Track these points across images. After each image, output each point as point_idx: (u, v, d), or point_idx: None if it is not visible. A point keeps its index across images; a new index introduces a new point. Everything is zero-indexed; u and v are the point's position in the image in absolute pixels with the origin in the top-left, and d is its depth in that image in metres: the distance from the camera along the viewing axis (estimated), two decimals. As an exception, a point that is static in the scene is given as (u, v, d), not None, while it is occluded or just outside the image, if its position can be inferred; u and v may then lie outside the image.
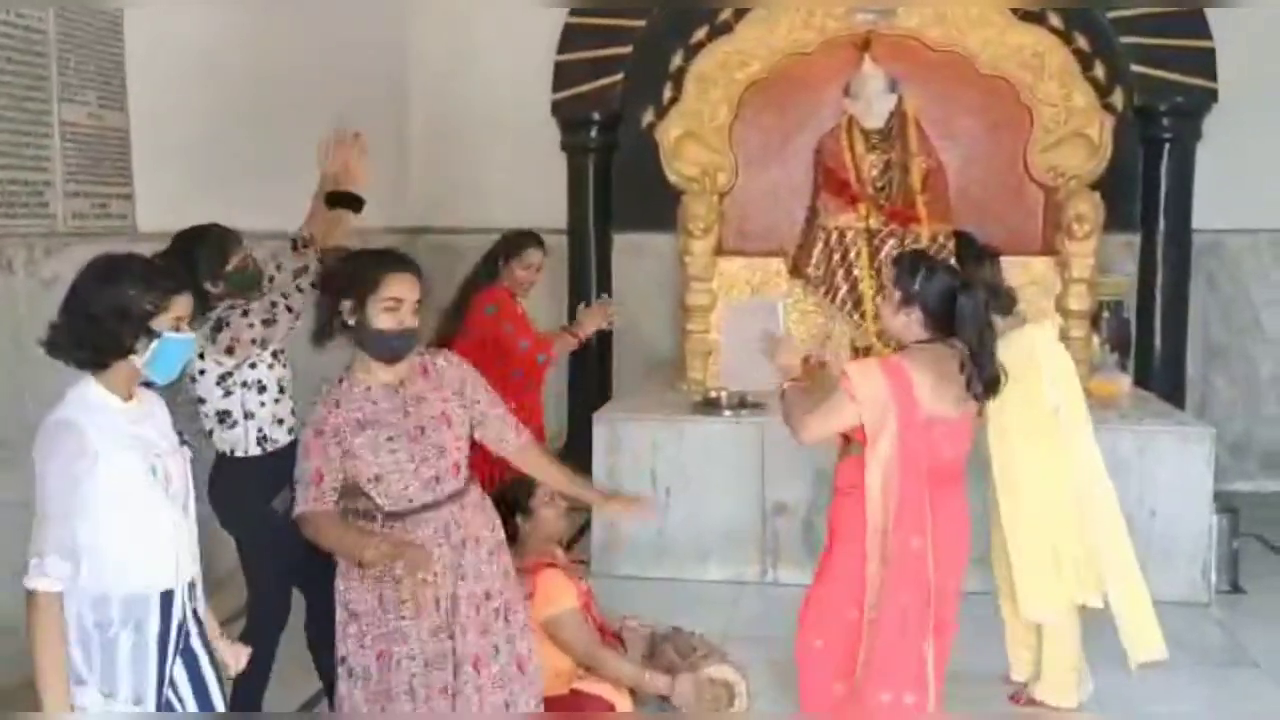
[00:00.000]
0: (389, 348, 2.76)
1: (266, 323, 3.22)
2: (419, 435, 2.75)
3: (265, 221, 4.31)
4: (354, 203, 3.46)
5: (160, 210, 4.69)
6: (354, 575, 2.77)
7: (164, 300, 2.37)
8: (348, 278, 2.78)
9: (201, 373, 3.28)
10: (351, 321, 2.73)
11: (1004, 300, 3.75)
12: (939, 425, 3.05)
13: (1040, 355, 3.67)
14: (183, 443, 2.53)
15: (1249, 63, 6.47)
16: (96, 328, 2.31)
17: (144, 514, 2.38)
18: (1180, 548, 4.92)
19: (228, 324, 3.22)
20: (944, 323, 3.10)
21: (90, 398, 2.34)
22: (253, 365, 3.29)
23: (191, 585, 2.50)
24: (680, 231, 6.02)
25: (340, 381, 2.79)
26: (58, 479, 2.26)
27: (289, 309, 3.24)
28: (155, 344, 2.36)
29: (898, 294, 3.14)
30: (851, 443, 3.18)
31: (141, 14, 4.60)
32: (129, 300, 2.33)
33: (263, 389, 3.31)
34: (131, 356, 2.35)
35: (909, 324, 3.14)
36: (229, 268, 3.35)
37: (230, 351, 3.23)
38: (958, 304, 3.07)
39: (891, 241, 5.75)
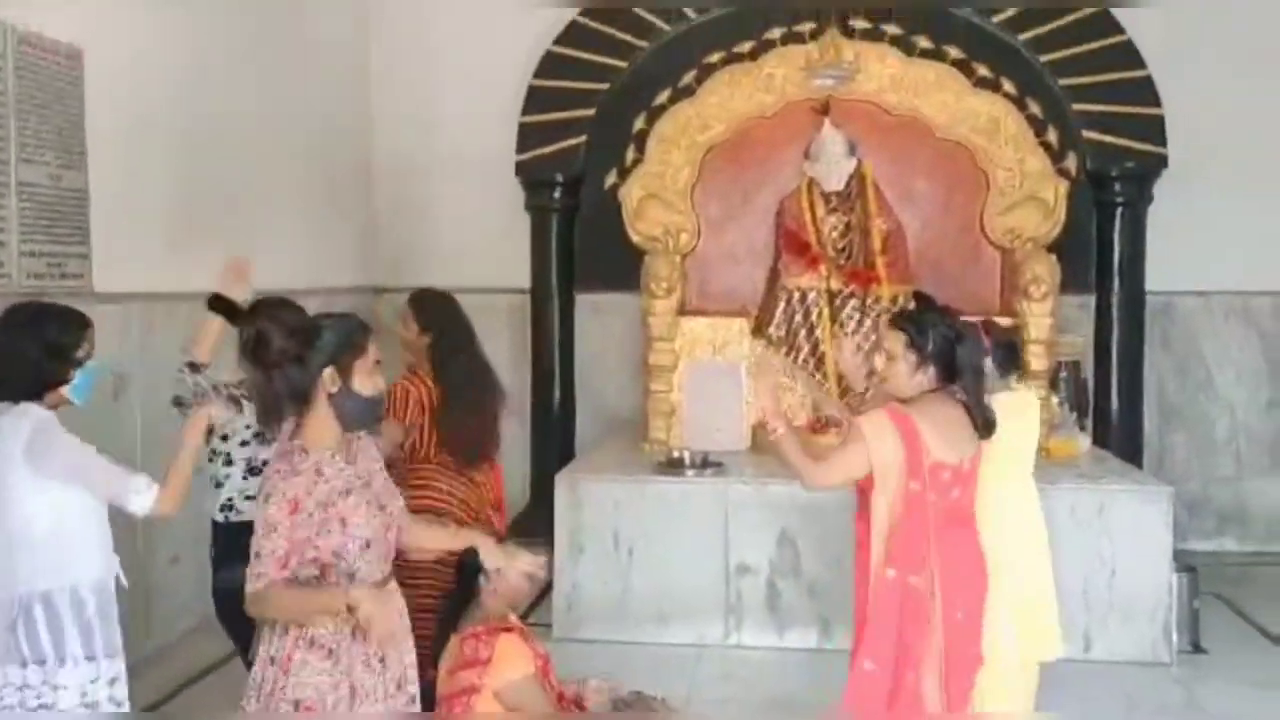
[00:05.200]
0: (373, 414, 2.67)
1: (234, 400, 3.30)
2: (380, 507, 2.68)
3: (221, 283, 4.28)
4: (230, 312, 3.50)
5: (117, 271, 4.66)
6: (308, 662, 2.58)
7: (78, 335, 2.93)
8: (334, 344, 2.59)
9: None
10: (334, 389, 2.58)
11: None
12: (945, 470, 3.21)
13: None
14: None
15: (1197, 129, 6.64)
16: (37, 364, 2.87)
17: None
18: (1141, 607, 4.94)
19: (205, 396, 3.31)
20: (947, 373, 3.29)
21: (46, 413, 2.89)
22: (224, 437, 3.38)
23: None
24: (643, 291, 6.04)
25: (296, 452, 2.58)
26: (83, 447, 2.89)
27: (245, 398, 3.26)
28: (76, 374, 2.92)
29: (913, 356, 3.27)
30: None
31: (102, 74, 4.60)
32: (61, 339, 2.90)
33: (229, 462, 3.41)
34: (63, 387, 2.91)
35: (922, 382, 3.28)
36: None
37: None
38: (956, 354, 3.27)
39: (853, 302, 5.81)
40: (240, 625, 3.12)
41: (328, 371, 2.57)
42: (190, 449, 3.01)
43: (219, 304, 3.54)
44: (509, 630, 3.54)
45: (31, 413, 2.88)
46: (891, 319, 3.52)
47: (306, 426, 2.60)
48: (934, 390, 3.29)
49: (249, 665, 3.33)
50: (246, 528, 3.17)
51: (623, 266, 6.43)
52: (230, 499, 3.40)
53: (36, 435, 2.85)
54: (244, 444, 3.40)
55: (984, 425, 3.32)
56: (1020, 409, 3.86)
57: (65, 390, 2.93)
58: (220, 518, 3.41)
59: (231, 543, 3.27)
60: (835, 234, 6.05)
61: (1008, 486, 3.81)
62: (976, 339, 3.40)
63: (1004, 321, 5.83)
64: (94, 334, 3.00)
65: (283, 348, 2.56)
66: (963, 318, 3.77)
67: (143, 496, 2.91)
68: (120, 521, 4.07)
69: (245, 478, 3.39)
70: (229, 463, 3.41)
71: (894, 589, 3.20)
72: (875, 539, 3.23)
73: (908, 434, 3.18)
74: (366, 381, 2.62)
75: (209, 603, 3.47)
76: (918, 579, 3.20)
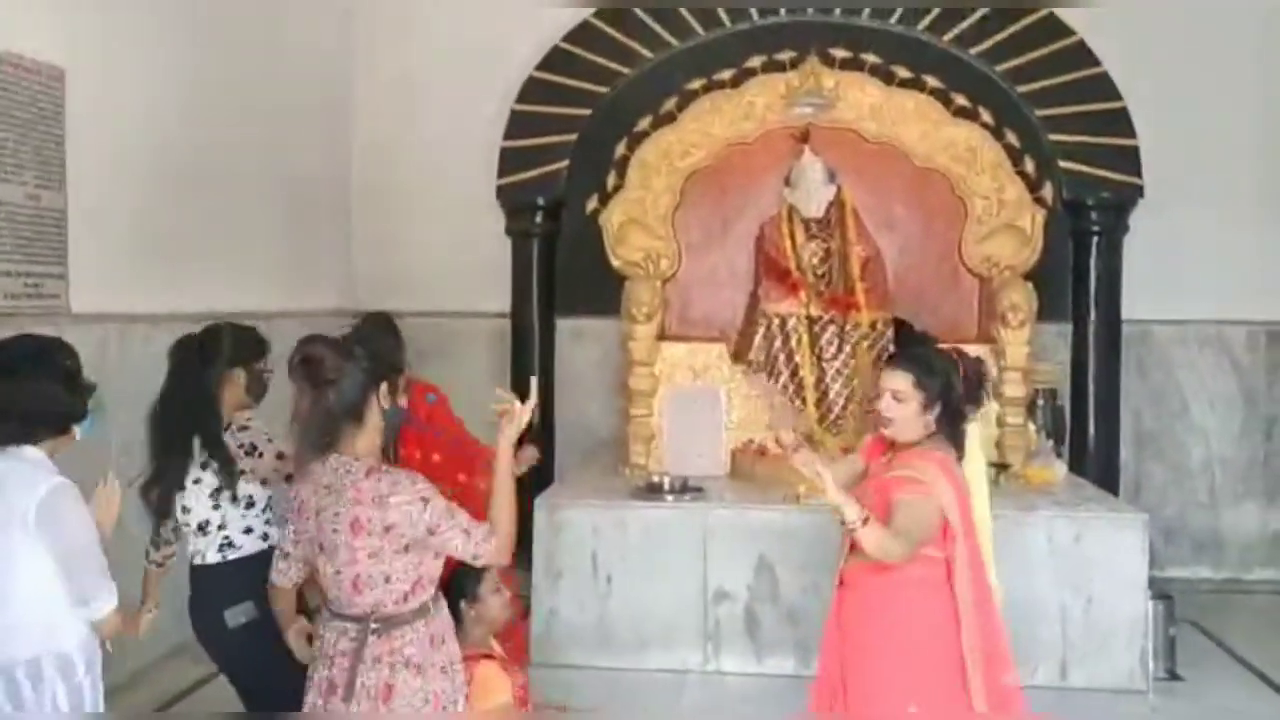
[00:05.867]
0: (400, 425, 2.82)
1: (269, 480, 3.32)
2: None
3: (201, 304, 4.28)
4: None
5: (94, 291, 4.64)
6: (408, 683, 2.65)
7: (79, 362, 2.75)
8: (383, 363, 2.74)
9: (196, 482, 3.26)
10: (387, 405, 2.71)
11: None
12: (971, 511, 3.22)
13: None
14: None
15: (1173, 160, 6.73)
16: (58, 398, 2.67)
17: None
18: (1117, 635, 4.95)
19: (258, 452, 3.27)
20: (949, 411, 3.23)
21: (49, 463, 2.68)
22: (248, 481, 3.30)
23: None
24: (623, 316, 6.05)
25: (378, 470, 2.65)
26: (90, 531, 2.65)
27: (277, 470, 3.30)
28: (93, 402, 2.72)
29: (921, 395, 3.17)
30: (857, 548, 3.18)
31: (84, 95, 4.59)
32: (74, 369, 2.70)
33: (250, 504, 3.31)
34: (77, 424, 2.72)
35: (929, 421, 3.19)
36: (262, 366, 3.40)
37: (244, 473, 3.27)
38: (954, 392, 3.22)
39: (832, 328, 5.84)
40: (255, 660, 3.08)
41: (384, 387, 2.69)
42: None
43: None
44: (489, 658, 3.53)
45: (37, 462, 2.68)
46: (890, 358, 3.46)
47: (359, 440, 2.66)
48: (936, 432, 3.20)
49: (248, 698, 3.32)
50: (246, 562, 3.25)
51: (603, 291, 6.44)
52: (230, 538, 3.29)
53: (53, 499, 2.63)
54: (264, 481, 3.35)
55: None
56: (980, 439, 3.88)
57: (78, 427, 2.73)
58: (216, 558, 3.28)
59: (232, 581, 3.25)
60: (815, 260, 6.07)
61: (983, 511, 3.86)
62: (972, 371, 3.36)
63: (972, 350, 5.88)
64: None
65: (336, 364, 2.62)
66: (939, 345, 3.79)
67: (100, 608, 2.70)
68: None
69: (258, 513, 3.34)
70: (250, 504, 3.31)
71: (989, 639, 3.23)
72: (964, 596, 3.14)
73: (955, 480, 3.14)
74: (400, 396, 2.78)
75: (185, 628, 3.39)
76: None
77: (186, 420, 3.21)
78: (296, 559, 2.83)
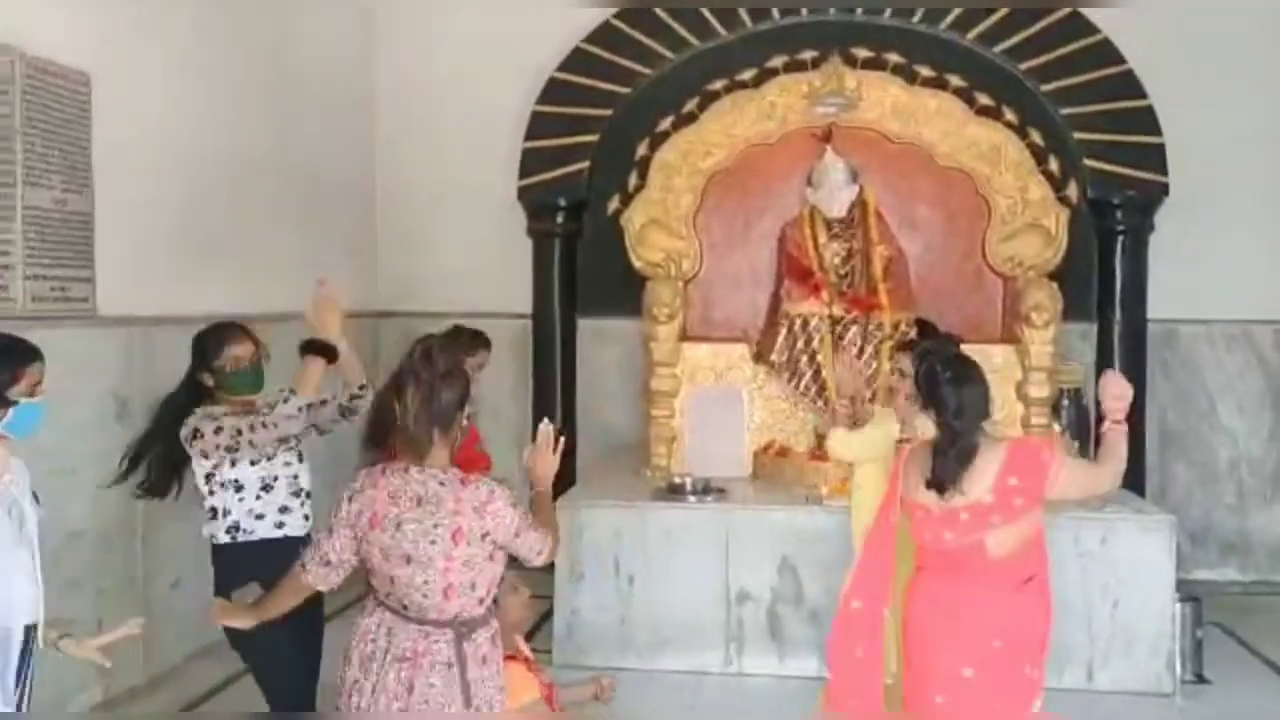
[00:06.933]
0: None
1: (230, 449, 3.33)
2: None
3: (226, 306, 4.30)
4: (326, 351, 3.63)
5: (121, 294, 4.68)
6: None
7: (17, 371, 2.75)
8: (467, 383, 2.86)
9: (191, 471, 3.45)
10: (465, 424, 2.87)
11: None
12: (917, 510, 3.17)
13: None
14: (35, 501, 2.87)
15: (1199, 159, 6.67)
16: None
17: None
18: (1143, 637, 4.91)
19: (200, 434, 3.33)
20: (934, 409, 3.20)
21: None
22: (233, 464, 3.38)
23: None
24: (645, 317, 6.03)
25: (470, 478, 2.80)
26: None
27: (252, 444, 3.32)
28: (11, 411, 2.74)
29: (907, 385, 3.35)
30: None
31: (110, 99, 4.63)
32: None
33: (239, 488, 3.40)
34: None
35: (928, 423, 3.21)
36: (219, 363, 3.43)
37: (205, 456, 3.36)
38: (939, 392, 3.15)
39: (855, 328, 5.82)
40: (255, 641, 3.13)
41: (469, 409, 2.85)
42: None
43: (313, 346, 3.64)
44: (513, 659, 3.53)
45: None
46: (915, 357, 3.45)
47: (440, 451, 2.76)
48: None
49: (261, 681, 3.45)
50: (257, 546, 3.38)
51: (625, 292, 6.43)
52: (238, 521, 3.41)
53: None
54: (254, 463, 3.41)
55: (936, 481, 3.09)
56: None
57: (3, 426, 2.76)
58: (226, 539, 3.42)
59: (241, 563, 3.36)
60: (837, 260, 6.05)
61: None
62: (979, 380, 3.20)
63: (997, 351, 5.82)
64: (41, 367, 2.85)
65: (453, 370, 2.79)
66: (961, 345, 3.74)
67: None
68: (119, 545, 4.09)
69: (259, 497, 3.43)
70: (239, 488, 3.41)
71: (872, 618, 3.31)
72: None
73: (896, 466, 3.27)
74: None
75: (209, 628, 3.43)
76: (887, 611, 3.30)
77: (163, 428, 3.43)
78: (341, 567, 2.83)
